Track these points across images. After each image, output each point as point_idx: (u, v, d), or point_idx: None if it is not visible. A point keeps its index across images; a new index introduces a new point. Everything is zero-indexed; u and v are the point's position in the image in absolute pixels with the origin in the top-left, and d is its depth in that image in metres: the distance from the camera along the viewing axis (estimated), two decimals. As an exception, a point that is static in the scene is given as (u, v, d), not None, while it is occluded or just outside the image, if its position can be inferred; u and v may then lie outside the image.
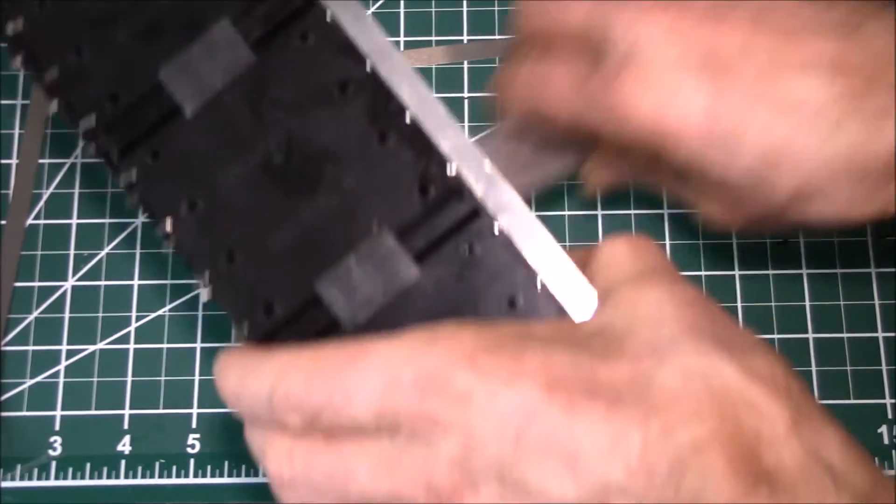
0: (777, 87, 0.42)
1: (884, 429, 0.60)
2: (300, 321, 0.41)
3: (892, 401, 0.60)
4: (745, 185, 0.44)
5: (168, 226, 0.43)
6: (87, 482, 0.61)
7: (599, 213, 0.63)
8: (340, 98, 0.43)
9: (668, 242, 0.63)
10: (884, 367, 0.61)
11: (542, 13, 0.48)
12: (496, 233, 0.40)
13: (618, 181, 0.55)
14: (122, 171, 0.43)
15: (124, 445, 0.61)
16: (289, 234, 0.42)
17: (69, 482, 0.61)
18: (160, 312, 0.64)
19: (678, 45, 0.43)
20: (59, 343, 0.63)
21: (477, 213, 0.41)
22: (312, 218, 0.42)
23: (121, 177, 0.43)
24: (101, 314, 0.64)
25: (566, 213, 0.63)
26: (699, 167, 0.44)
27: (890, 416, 0.60)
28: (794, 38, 0.43)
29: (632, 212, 0.63)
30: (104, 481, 0.61)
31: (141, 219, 0.65)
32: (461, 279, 0.41)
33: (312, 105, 0.43)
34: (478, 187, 0.41)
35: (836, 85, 0.42)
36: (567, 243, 0.62)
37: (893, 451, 0.60)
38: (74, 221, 0.65)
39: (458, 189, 0.41)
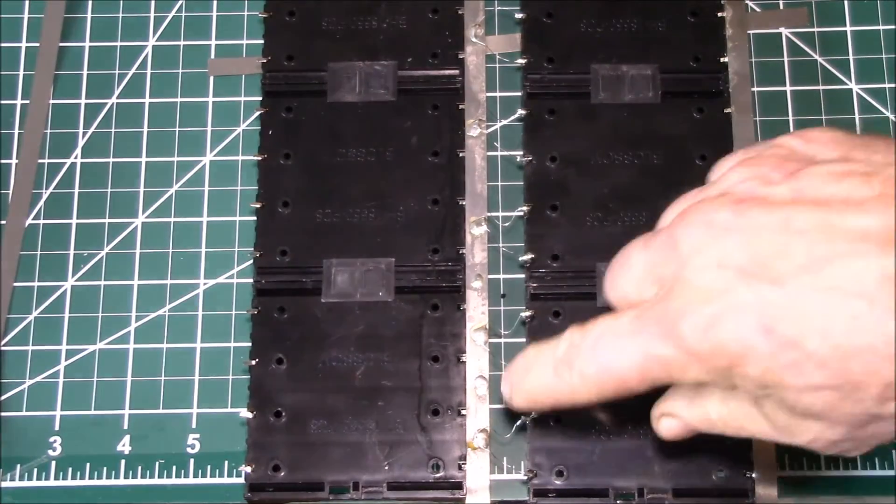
0: (824, 279, 0.41)
1: (884, 429, 0.60)
2: None
3: (893, 401, 0.60)
4: (830, 392, 0.42)
5: None
6: (86, 482, 0.61)
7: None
8: None
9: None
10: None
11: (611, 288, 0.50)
12: None
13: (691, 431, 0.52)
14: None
15: (124, 445, 0.61)
16: None
17: (69, 482, 0.61)
18: (160, 312, 0.64)
19: (713, 260, 0.44)
20: (59, 343, 0.63)
21: None
22: None
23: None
24: (100, 314, 0.64)
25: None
26: (777, 383, 0.43)
27: (891, 416, 0.60)
28: (834, 221, 0.42)
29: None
30: (104, 481, 0.61)
31: (141, 218, 0.65)
32: None
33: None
34: None
35: (886, 259, 0.40)
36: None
37: (893, 452, 0.60)
38: (74, 221, 0.65)
39: None
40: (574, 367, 0.48)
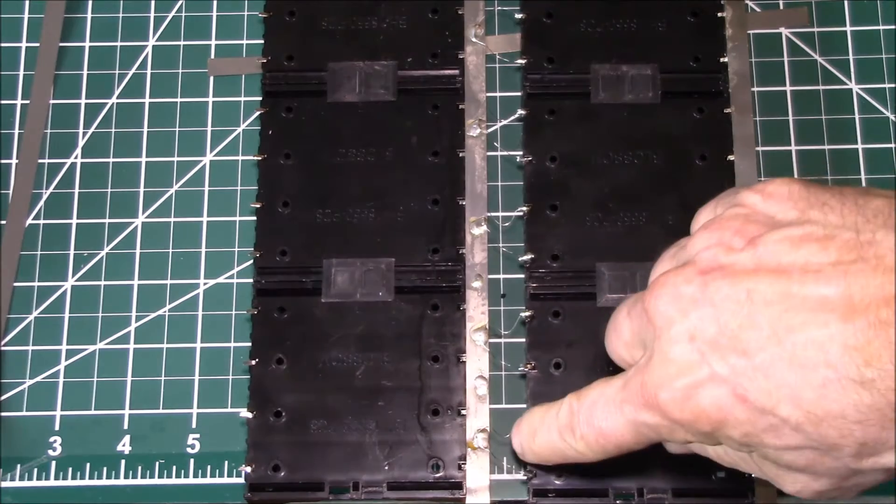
0: (790, 349, 0.42)
1: (884, 429, 0.60)
2: None
3: (893, 401, 0.60)
4: (809, 451, 0.44)
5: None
6: (86, 482, 0.61)
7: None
8: None
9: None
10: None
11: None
12: None
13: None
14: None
15: (124, 445, 0.61)
16: None
17: (69, 482, 0.61)
18: (160, 312, 0.64)
19: (684, 333, 0.45)
20: (59, 343, 0.63)
21: None
22: None
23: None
24: (100, 314, 0.64)
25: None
26: (758, 443, 0.45)
27: (890, 416, 0.60)
28: (795, 290, 0.42)
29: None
30: (104, 481, 0.61)
31: (141, 218, 0.65)
32: None
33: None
34: None
35: (847, 328, 0.41)
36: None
37: (894, 451, 0.60)
38: (74, 221, 0.65)
39: None
40: (575, 432, 0.51)
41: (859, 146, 0.65)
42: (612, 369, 0.58)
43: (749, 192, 0.47)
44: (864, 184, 0.64)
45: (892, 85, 0.66)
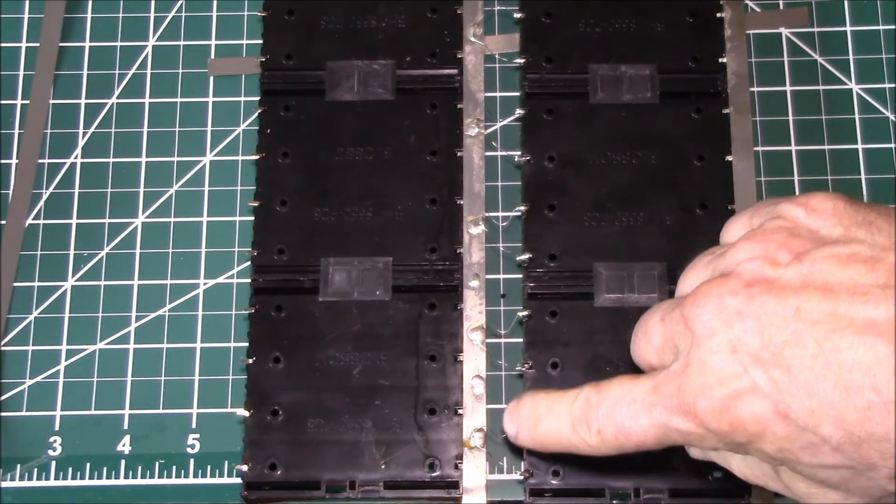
0: (835, 369, 0.42)
1: (883, 429, 0.60)
2: None
3: (892, 401, 0.60)
4: (845, 470, 0.44)
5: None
6: (86, 482, 0.61)
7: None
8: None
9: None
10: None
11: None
12: None
13: None
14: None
15: (124, 445, 0.61)
16: None
17: (69, 482, 0.61)
18: (160, 312, 0.64)
19: (726, 344, 0.45)
20: (59, 343, 0.63)
21: None
22: None
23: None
24: (100, 314, 0.64)
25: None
26: (793, 460, 0.45)
27: (890, 417, 0.60)
28: (842, 311, 0.42)
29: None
30: (104, 481, 0.61)
31: (141, 219, 0.65)
32: None
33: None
34: None
35: (894, 353, 0.41)
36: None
37: (893, 452, 0.60)
38: (74, 221, 0.65)
39: None
40: (592, 426, 0.50)
41: (859, 146, 0.65)
42: (610, 370, 0.58)
43: (791, 204, 0.47)
44: (864, 184, 0.64)
45: (892, 85, 0.66)
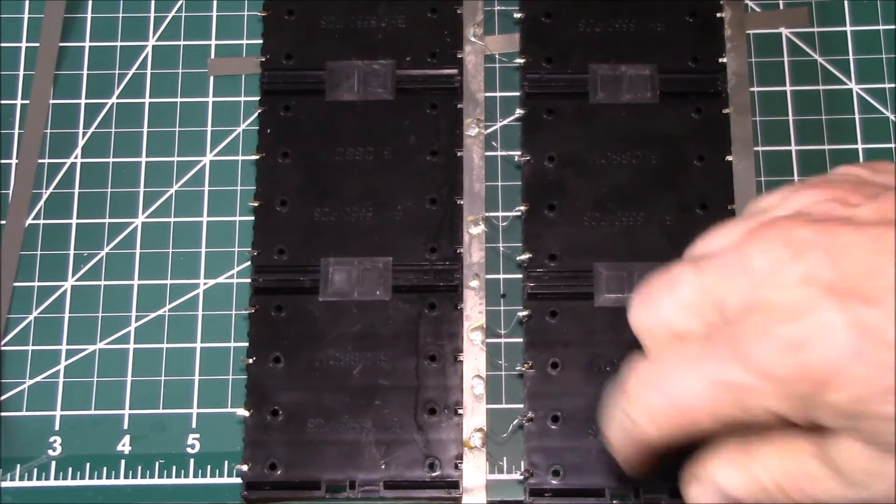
0: None
1: (883, 429, 0.60)
2: None
3: (892, 401, 0.60)
4: None
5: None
6: (86, 482, 0.61)
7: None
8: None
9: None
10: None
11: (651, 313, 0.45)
12: None
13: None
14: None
15: (124, 445, 0.61)
16: None
17: (69, 482, 0.61)
18: (160, 312, 0.64)
19: (795, 277, 0.40)
20: (59, 343, 0.63)
21: None
22: None
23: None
24: (100, 314, 0.64)
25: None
26: (866, 412, 0.39)
27: (890, 417, 0.60)
28: None
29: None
30: (104, 481, 0.61)
31: (141, 219, 0.65)
32: None
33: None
34: None
35: None
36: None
37: (893, 452, 0.59)
38: (74, 221, 0.65)
39: None
40: (642, 407, 0.43)
41: (859, 146, 0.65)
42: (610, 370, 0.58)
43: (853, 166, 0.44)
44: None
45: (892, 85, 0.66)
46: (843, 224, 0.40)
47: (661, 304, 0.44)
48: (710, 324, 0.42)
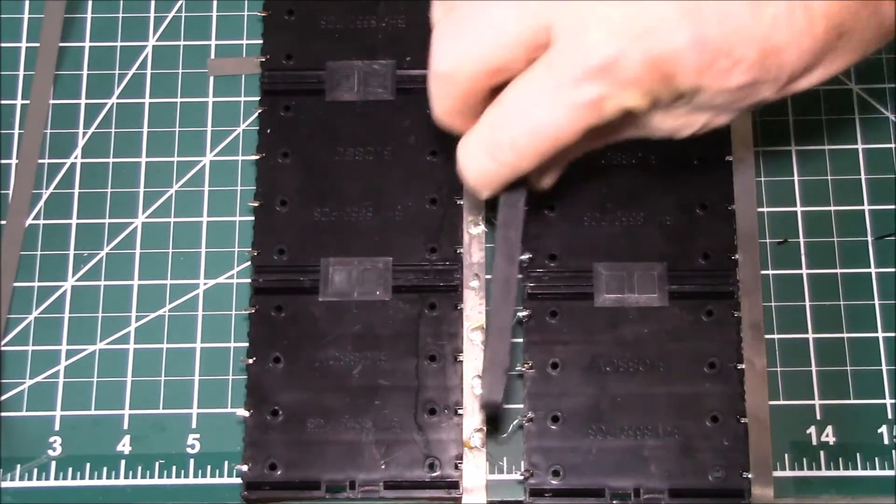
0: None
1: (884, 429, 0.60)
2: None
3: (892, 401, 0.60)
4: (737, 92, 0.45)
5: None
6: (86, 482, 0.61)
7: (599, 212, 0.63)
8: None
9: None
10: (884, 367, 0.61)
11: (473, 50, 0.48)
12: None
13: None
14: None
15: (124, 445, 0.61)
16: None
17: (69, 482, 0.61)
18: (160, 312, 0.64)
19: None
20: (59, 343, 0.63)
21: None
22: None
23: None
24: (100, 314, 0.64)
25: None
26: (699, 88, 0.45)
27: (890, 416, 0.60)
28: None
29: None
30: (104, 481, 0.61)
31: (141, 219, 0.65)
32: None
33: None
34: None
35: None
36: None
37: (893, 452, 0.60)
38: (74, 221, 0.65)
39: None
40: (503, 143, 0.47)
41: (859, 146, 0.65)
42: (610, 370, 0.58)
43: None
44: (864, 184, 0.64)
45: (892, 85, 0.66)
46: None
47: (485, 36, 0.47)
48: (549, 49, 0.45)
